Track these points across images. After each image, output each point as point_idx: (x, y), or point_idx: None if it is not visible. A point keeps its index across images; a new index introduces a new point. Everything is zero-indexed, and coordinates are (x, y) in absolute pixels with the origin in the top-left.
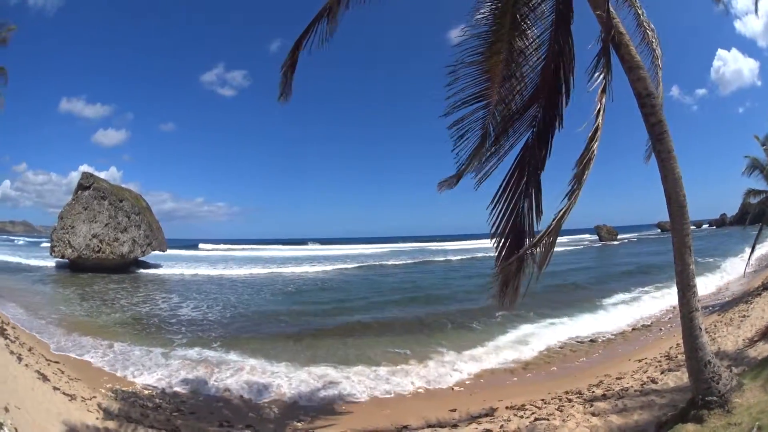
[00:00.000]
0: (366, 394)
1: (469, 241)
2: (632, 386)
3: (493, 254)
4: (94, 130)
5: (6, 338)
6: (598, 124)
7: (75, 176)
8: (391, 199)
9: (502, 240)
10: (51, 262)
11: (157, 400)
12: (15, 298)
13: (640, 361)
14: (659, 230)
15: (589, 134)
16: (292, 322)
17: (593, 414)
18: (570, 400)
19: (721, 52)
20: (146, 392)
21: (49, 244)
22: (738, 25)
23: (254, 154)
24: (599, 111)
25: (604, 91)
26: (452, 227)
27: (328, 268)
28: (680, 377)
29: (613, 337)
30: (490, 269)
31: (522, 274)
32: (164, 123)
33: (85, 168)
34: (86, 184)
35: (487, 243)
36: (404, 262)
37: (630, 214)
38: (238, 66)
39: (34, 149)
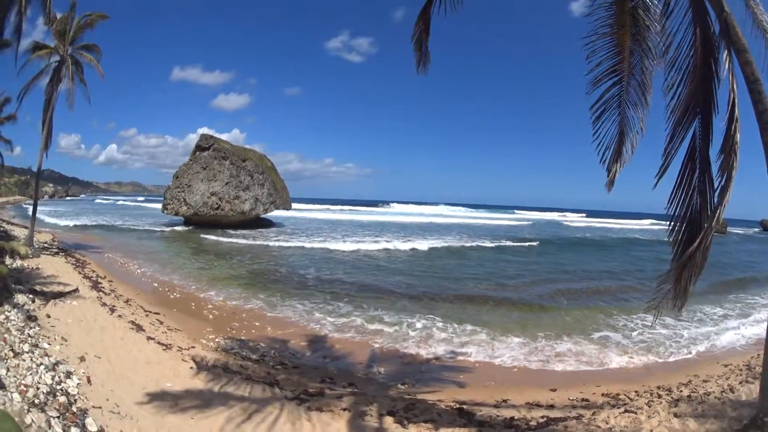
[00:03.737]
0: (477, 363)
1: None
2: (714, 392)
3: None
4: (213, 95)
5: (99, 291)
6: (736, 115)
7: (193, 138)
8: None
9: (680, 238)
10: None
11: (262, 353)
12: (122, 253)
13: (726, 366)
14: (762, 228)
15: (727, 124)
16: (418, 286)
17: (675, 415)
18: (659, 396)
19: None
20: (251, 344)
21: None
22: None
23: (387, 117)
24: (734, 98)
25: (733, 74)
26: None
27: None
28: (753, 390)
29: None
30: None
31: (693, 277)
32: (289, 87)
33: (204, 130)
34: (205, 145)
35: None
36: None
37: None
38: (363, 33)
39: (146, 115)
